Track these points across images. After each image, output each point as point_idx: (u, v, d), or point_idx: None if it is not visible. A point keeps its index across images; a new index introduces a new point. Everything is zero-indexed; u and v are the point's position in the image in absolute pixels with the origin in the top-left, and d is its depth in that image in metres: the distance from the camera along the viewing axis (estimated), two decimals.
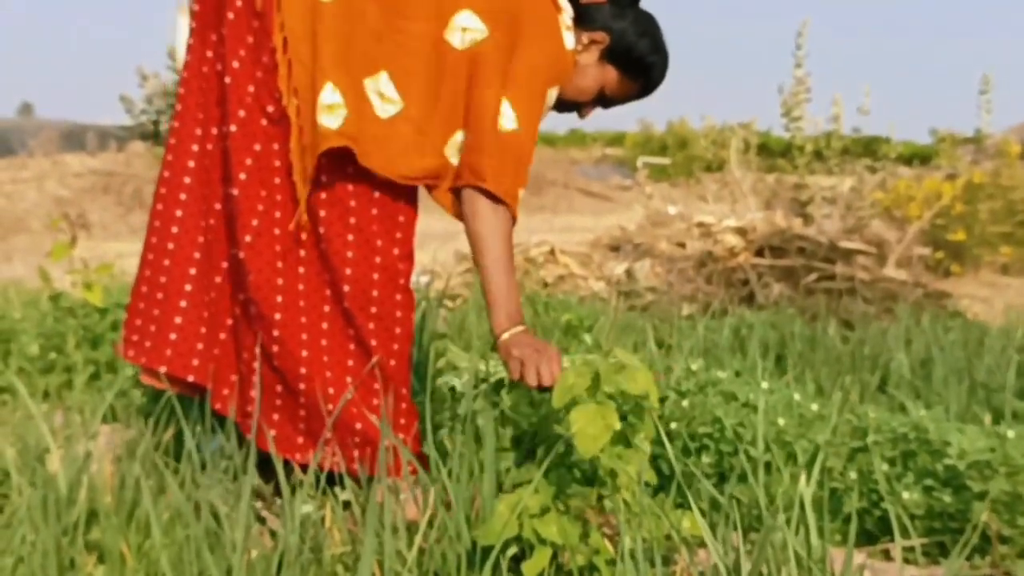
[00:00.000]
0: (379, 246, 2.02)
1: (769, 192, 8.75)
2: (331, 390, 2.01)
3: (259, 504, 1.97)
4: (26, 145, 11.38)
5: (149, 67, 14.26)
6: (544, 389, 1.89)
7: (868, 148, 11.15)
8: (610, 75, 2.19)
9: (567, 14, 2.16)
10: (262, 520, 1.93)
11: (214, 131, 2.02)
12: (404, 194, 2.05)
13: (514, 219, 2.00)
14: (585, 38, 2.15)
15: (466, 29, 2.03)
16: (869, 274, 5.59)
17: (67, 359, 3.21)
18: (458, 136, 2.02)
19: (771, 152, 12.92)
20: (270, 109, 1.98)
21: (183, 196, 2.04)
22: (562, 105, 2.19)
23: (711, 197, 9.85)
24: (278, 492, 1.93)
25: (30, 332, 3.33)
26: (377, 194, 2.02)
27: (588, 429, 1.69)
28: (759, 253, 5.75)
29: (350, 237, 2.01)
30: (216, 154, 2.03)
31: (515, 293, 1.98)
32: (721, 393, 2.27)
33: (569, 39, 2.14)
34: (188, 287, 2.04)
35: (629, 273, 5.78)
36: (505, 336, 1.94)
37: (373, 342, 2.02)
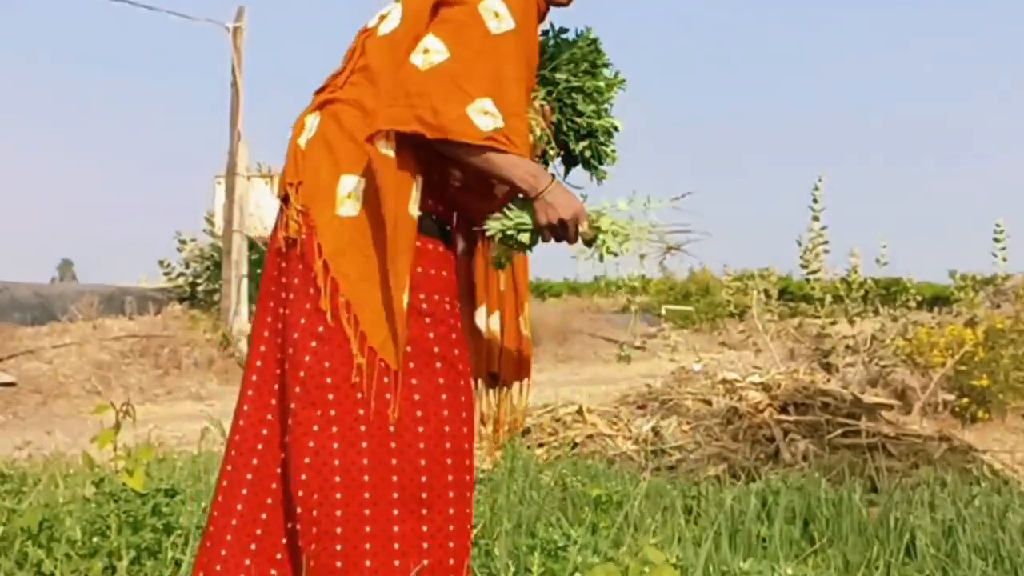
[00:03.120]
0: (447, 432, 2.01)
1: (791, 340, 8.86)
2: None
3: None
4: (67, 310, 11.73)
5: (187, 232, 14.77)
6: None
7: (888, 290, 11.28)
8: None
9: None
10: None
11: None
12: (464, 374, 2.06)
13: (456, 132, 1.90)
14: None
15: (428, 50, 1.98)
16: (894, 428, 5.63)
17: (110, 544, 3.29)
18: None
19: (793, 295, 13.06)
20: (320, 329, 1.99)
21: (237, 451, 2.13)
22: None
23: (734, 345, 9.97)
24: None
25: (74, 516, 3.43)
26: (442, 380, 2.02)
27: None
28: (783, 409, 5.82)
29: (420, 429, 1.99)
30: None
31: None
32: None
33: None
34: (233, 522, 2.08)
35: (656, 431, 5.85)
36: (547, 196, 1.93)
37: (451, 527, 2.00)
